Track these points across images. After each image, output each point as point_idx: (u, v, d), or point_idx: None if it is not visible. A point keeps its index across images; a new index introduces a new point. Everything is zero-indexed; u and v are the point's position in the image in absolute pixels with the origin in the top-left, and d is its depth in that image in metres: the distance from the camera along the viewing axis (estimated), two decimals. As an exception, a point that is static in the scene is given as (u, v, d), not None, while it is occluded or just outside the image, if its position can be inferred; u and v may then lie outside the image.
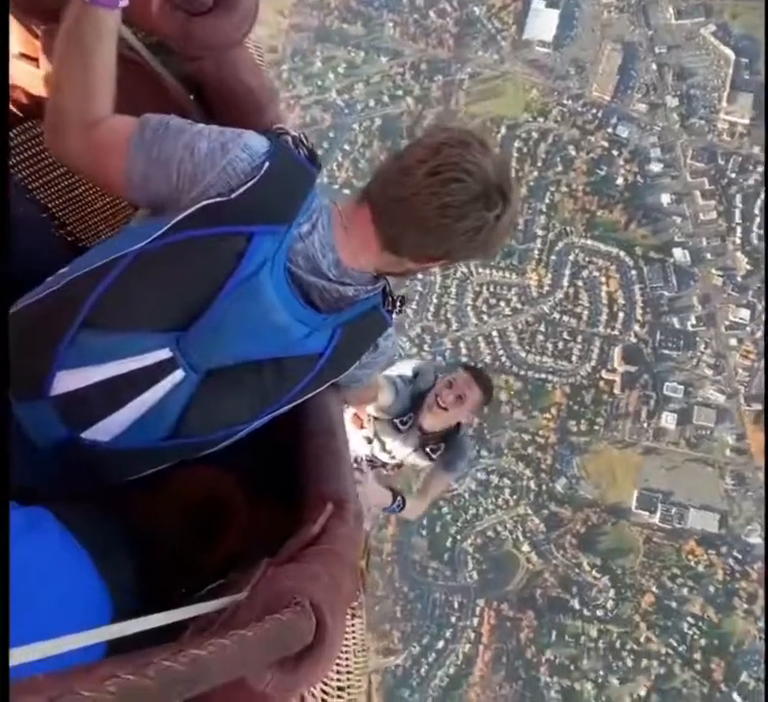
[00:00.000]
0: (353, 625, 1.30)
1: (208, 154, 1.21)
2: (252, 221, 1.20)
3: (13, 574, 0.65)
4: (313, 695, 1.08)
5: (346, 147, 35.43)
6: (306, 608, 0.82)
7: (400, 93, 35.82)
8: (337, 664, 1.20)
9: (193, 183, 1.21)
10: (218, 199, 1.19)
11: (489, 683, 32.06)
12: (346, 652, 1.24)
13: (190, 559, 1.25)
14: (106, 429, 1.19)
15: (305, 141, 1.31)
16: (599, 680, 31.67)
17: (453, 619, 32.52)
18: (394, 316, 1.44)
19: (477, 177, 1.23)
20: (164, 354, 1.18)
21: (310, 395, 1.33)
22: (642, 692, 31.23)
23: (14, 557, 0.69)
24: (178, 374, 1.19)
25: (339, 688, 1.18)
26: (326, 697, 1.12)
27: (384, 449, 3.48)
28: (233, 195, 1.19)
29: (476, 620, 32.47)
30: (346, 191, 33.65)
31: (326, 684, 1.13)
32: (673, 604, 31.88)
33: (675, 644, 31.44)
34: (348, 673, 1.23)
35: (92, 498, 1.21)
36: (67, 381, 1.16)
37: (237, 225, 1.19)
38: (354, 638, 1.30)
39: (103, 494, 1.24)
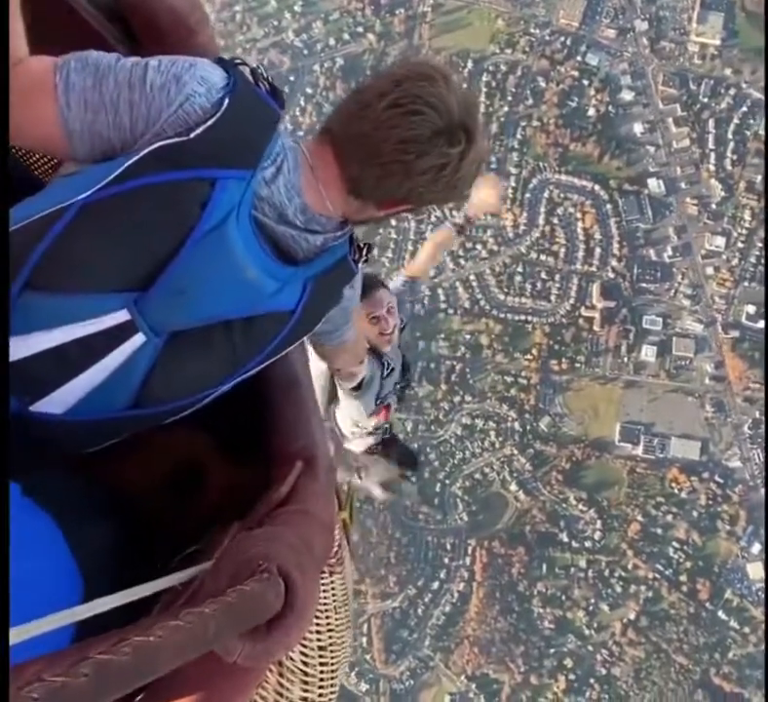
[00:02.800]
0: (332, 582, 1.26)
1: (161, 89, 1.08)
2: (215, 165, 1.08)
3: None
4: (291, 658, 1.05)
5: (308, 91, 34.26)
6: (273, 575, 0.79)
7: (360, 29, 34.53)
8: (317, 623, 1.16)
9: (148, 124, 1.08)
10: (176, 139, 1.06)
11: (485, 618, 33.19)
12: (326, 611, 1.21)
13: (167, 522, 1.20)
14: (59, 400, 1.07)
15: (265, 75, 1.19)
16: (590, 607, 32.95)
17: (446, 560, 33.37)
18: (360, 265, 1.37)
19: (439, 112, 1.16)
20: (121, 316, 1.06)
21: (281, 354, 1.24)
22: (632, 616, 32.59)
23: None
24: (138, 339, 1.08)
25: (320, 648, 1.14)
26: (306, 659, 1.09)
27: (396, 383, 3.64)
28: (192, 135, 1.06)
29: (468, 559, 33.39)
30: (310, 137, 32.45)
31: (305, 646, 1.10)
32: (659, 531, 32.93)
33: (662, 569, 32.65)
34: (329, 631, 1.19)
35: (61, 464, 1.14)
36: (12, 349, 1.02)
37: (198, 169, 1.07)
38: (334, 594, 1.26)
39: (73, 460, 1.16)
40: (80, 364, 1.06)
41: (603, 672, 32.51)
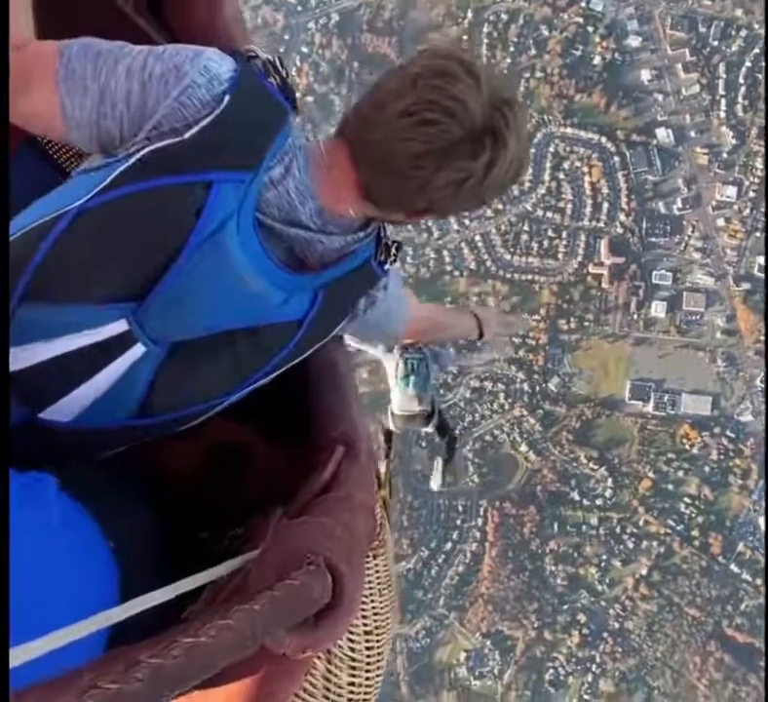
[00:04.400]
0: (376, 565, 1.25)
1: (160, 78, 1.04)
2: (211, 167, 1.03)
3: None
4: (339, 645, 1.07)
5: (304, 50, 33.36)
6: (321, 567, 0.80)
7: (355, -19, 33.34)
8: (362, 609, 1.15)
9: (144, 116, 1.04)
10: (169, 141, 1.02)
11: (498, 577, 33.62)
12: (371, 595, 1.20)
13: (211, 507, 1.21)
14: (65, 409, 1.07)
15: (279, 68, 1.11)
16: (602, 564, 33.17)
17: (458, 522, 33.68)
18: (388, 266, 1.27)
19: (458, 119, 1.05)
20: (119, 327, 1.05)
21: (292, 363, 1.20)
22: (644, 571, 32.83)
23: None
24: (138, 349, 1.07)
25: (366, 632, 1.15)
26: (352, 645, 1.10)
27: None
28: (187, 135, 1.02)
29: (480, 520, 33.64)
30: (309, 98, 31.98)
31: (351, 633, 1.11)
32: (670, 487, 32.94)
33: (674, 524, 32.75)
34: (375, 615, 1.19)
35: (84, 460, 1.14)
36: (14, 359, 1.01)
37: (192, 173, 1.02)
38: (378, 577, 1.25)
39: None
40: (81, 374, 1.06)
41: (616, 626, 32.98)
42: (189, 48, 1.08)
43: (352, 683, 1.10)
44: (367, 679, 1.14)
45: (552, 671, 33.22)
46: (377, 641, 1.18)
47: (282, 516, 1.03)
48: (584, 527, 33.38)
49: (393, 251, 1.28)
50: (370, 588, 1.21)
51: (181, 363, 1.10)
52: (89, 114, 1.04)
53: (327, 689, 1.06)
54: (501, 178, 1.14)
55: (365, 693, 1.12)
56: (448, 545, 33.68)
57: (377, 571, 1.26)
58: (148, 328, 1.05)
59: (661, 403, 32.61)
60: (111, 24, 1.18)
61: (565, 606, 33.32)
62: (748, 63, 31.39)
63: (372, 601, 1.22)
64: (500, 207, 32.78)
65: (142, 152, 1.02)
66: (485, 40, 32.18)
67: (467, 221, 32.90)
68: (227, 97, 1.03)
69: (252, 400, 1.19)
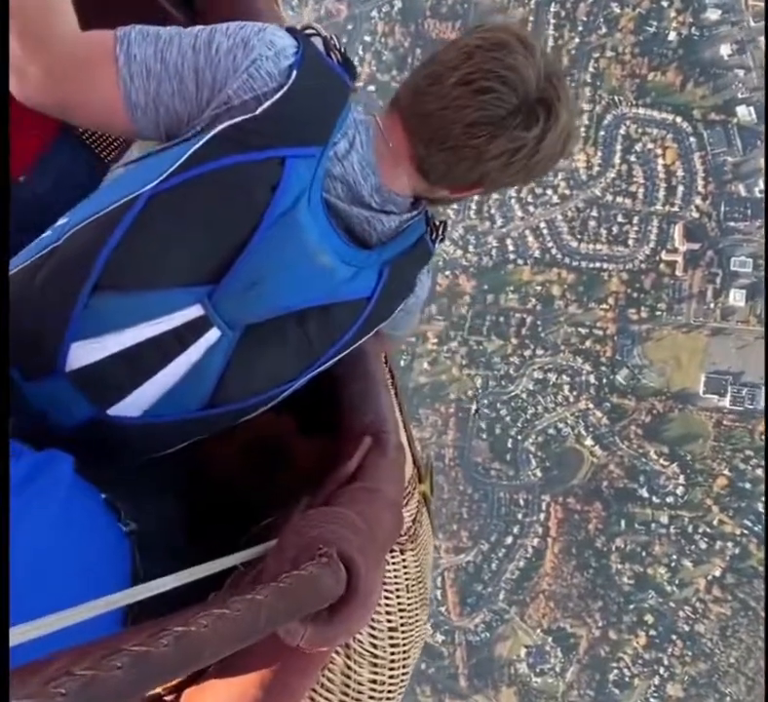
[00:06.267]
0: (404, 560, 1.22)
1: (227, 53, 1.05)
2: (284, 142, 1.04)
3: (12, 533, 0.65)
4: (359, 641, 1.06)
5: (367, 39, 33.48)
6: (333, 559, 0.78)
7: (418, -33, 33.10)
8: (387, 604, 1.13)
9: (213, 91, 1.05)
10: (242, 117, 1.02)
11: (560, 574, 33.09)
12: (397, 590, 1.17)
13: (248, 499, 1.23)
14: (136, 403, 1.06)
15: (338, 45, 1.13)
16: (672, 564, 32.12)
17: (520, 516, 33.31)
18: (437, 245, 1.29)
19: (514, 87, 1.06)
20: (194, 312, 1.03)
21: (355, 345, 1.20)
22: (717, 573, 31.58)
23: (14, 510, 0.68)
24: (213, 334, 1.05)
25: (390, 629, 1.12)
26: (374, 641, 1.08)
27: None
28: (258, 111, 1.02)
29: (542, 515, 33.20)
30: (371, 88, 32.00)
31: (373, 628, 1.09)
32: (747, 486, 31.51)
33: (750, 525, 31.31)
34: (400, 611, 1.16)
35: (134, 466, 1.16)
36: (84, 353, 1.02)
37: (266, 149, 1.02)
38: (406, 573, 1.22)
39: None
40: (154, 364, 1.03)
41: (686, 629, 31.94)
42: (252, 23, 1.09)
43: (373, 681, 1.06)
44: (391, 677, 1.08)
45: (616, 671, 32.47)
46: (403, 638, 1.13)
47: (307, 505, 1.01)
48: (653, 526, 32.41)
49: (440, 230, 1.29)
50: (397, 583, 1.18)
51: (254, 346, 1.08)
52: (154, 97, 1.05)
53: (346, 686, 1.03)
54: (551, 151, 1.14)
55: (388, 692, 1.08)
56: (509, 539, 33.37)
57: (405, 567, 1.22)
58: (223, 311, 1.04)
59: (738, 397, 31.13)
60: (146, 16, 1.17)
61: (632, 606, 32.49)
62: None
63: (398, 596, 1.17)
64: (567, 192, 31.94)
65: (216, 129, 1.00)
66: (552, 20, 31.33)
67: (531, 208, 32.26)
68: (295, 72, 1.04)
69: (293, 394, 1.18)
